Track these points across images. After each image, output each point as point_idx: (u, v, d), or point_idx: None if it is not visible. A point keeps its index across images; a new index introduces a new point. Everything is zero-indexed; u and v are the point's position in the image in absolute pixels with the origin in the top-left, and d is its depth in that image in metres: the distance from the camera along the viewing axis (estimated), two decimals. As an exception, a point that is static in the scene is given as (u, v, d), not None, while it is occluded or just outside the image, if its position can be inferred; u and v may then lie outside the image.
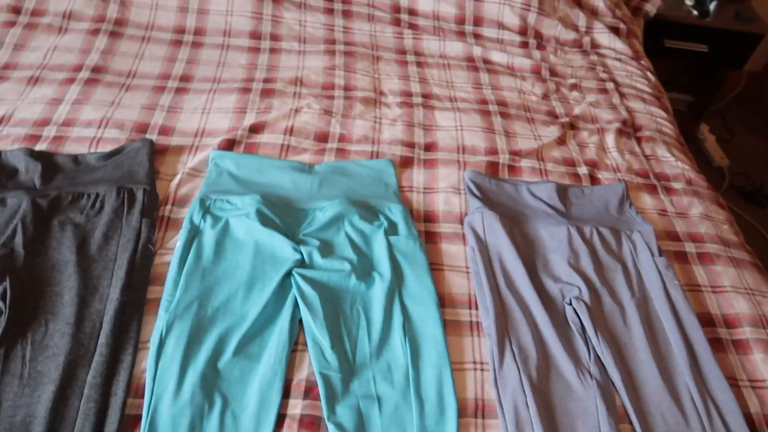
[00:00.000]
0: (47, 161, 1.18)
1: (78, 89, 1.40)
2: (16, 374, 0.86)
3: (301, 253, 1.06)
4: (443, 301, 1.07)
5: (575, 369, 0.98)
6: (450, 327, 1.03)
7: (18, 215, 1.05)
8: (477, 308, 1.07)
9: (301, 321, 0.99)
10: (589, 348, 1.02)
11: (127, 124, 1.32)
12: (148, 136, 1.31)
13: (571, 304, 1.07)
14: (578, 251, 1.17)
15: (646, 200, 1.35)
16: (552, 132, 1.50)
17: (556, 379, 0.97)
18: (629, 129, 1.57)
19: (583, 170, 1.40)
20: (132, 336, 0.92)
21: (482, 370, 0.98)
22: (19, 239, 1.01)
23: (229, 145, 1.30)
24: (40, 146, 1.24)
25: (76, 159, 1.21)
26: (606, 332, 1.04)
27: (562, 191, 1.30)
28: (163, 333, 0.92)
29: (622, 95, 1.71)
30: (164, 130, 1.33)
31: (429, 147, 1.40)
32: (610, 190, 1.34)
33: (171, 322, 0.94)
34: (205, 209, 1.12)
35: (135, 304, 0.97)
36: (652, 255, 1.18)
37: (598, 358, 1.00)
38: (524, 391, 0.94)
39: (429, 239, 1.18)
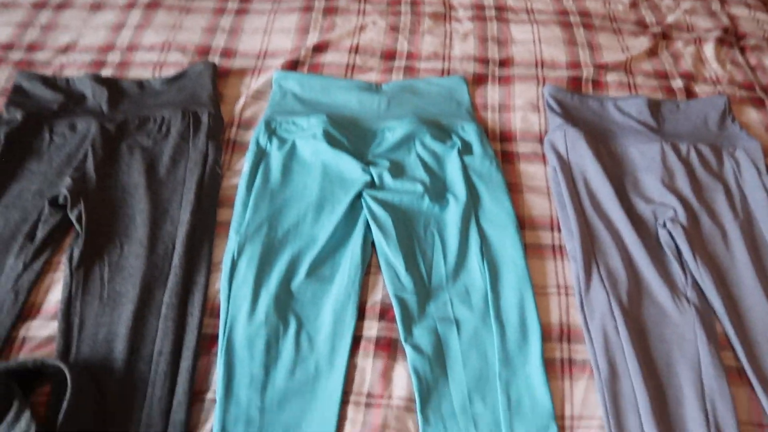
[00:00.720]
0: (113, 87, 1.16)
1: (139, 13, 1.37)
2: (96, 294, 0.87)
3: (371, 175, 1.01)
4: (523, 223, 1.00)
5: (670, 293, 0.90)
6: (531, 250, 0.97)
7: (87, 140, 1.04)
8: (560, 231, 1.00)
9: (373, 244, 0.95)
10: (686, 272, 0.93)
11: (189, 47, 1.29)
12: (210, 58, 1.27)
13: (665, 226, 0.98)
14: (673, 170, 1.06)
15: (752, 115, 1.21)
16: (642, 43, 1.36)
17: (649, 304, 0.90)
18: (731, 37, 1.40)
19: (677, 83, 1.26)
20: (204, 257, 0.91)
21: (567, 294, 0.92)
22: (90, 163, 1.01)
23: (292, 66, 1.25)
24: (104, 72, 1.23)
25: (140, 84, 1.19)
26: (705, 256, 0.95)
27: (654, 106, 1.18)
28: (235, 254, 0.91)
29: (722, 0, 1.53)
30: (226, 53, 1.29)
31: (504, 62, 1.29)
32: (709, 104, 1.20)
33: (242, 243, 0.92)
34: (271, 131, 1.08)
35: (205, 226, 0.95)
36: (759, 173, 1.06)
37: (695, 282, 0.92)
38: (614, 315, 0.87)
39: (506, 159, 1.10)
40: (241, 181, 1.01)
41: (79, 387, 0.72)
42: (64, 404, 0.70)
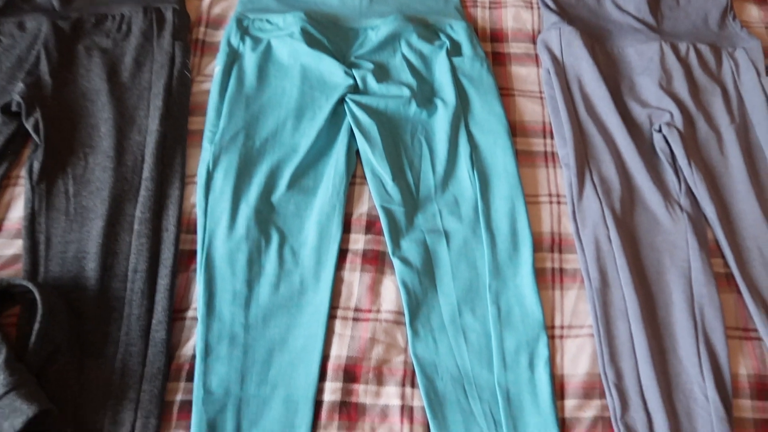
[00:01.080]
0: (64, -20, 1.04)
1: None
2: (62, 210, 0.81)
3: (354, 78, 0.94)
4: (514, 129, 0.95)
5: (663, 201, 0.88)
6: (522, 157, 0.92)
7: (39, 40, 0.94)
8: (552, 137, 0.95)
9: (358, 152, 0.89)
10: (680, 178, 0.91)
11: (147, -64, 1.15)
12: (171, -52, 1.13)
13: (660, 131, 0.94)
14: (671, 71, 1.01)
15: (753, 12, 1.15)
16: (643, -66, 1.25)
17: (641, 211, 0.88)
18: (734, -72, 1.30)
19: (678, -22, 1.18)
20: (177, 169, 0.85)
21: (558, 203, 0.89)
22: (44, 66, 0.91)
23: (264, -44, 1.12)
24: (53, -37, 1.09)
25: (95, -23, 1.06)
26: (700, 161, 0.92)
27: (653, 2, 1.11)
28: (210, 166, 0.85)
29: None
30: (189, -58, 1.15)
31: (494, -47, 1.19)
32: (710, 1, 1.13)
33: (217, 154, 0.86)
34: (243, 30, 0.99)
35: (176, 135, 0.88)
36: (758, 74, 1.01)
37: (689, 189, 0.90)
38: (606, 224, 0.85)
39: (497, 61, 1.03)
40: (213, 86, 0.93)
41: (50, 307, 0.68)
42: (36, 325, 0.66)
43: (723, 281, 0.84)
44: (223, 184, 0.83)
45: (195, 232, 0.82)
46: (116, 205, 0.81)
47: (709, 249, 0.85)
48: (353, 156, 0.89)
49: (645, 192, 0.89)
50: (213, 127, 0.89)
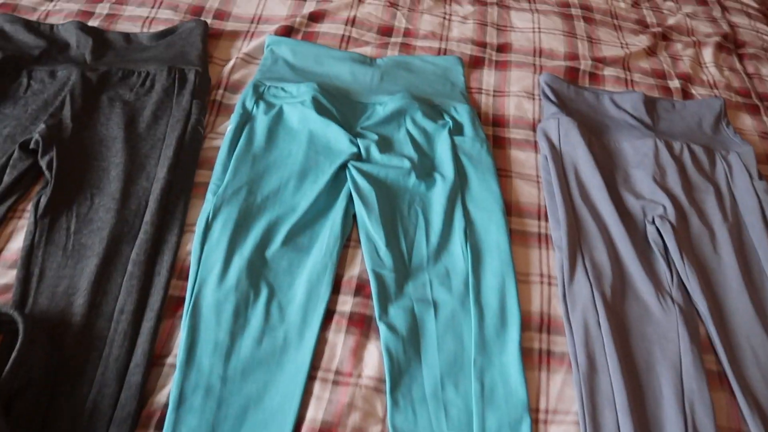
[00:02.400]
0: (99, 37, 1.12)
1: (132, -33, 1.32)
2: (60, 245, 0.83)
3: (358, 147, 0.98)
4: (510, 209, 0.97)
5: (655, 291, 0.88)
6: (516, 237, 0.94)
7: (67, 87, 0.99)
8: (547, 220, 0.97)
9: (355, 216, 0.91)
10: (672, 271, 0.91)
11: (182, 6, 1.24)
12: (202, 19, 1.22)
13: (653, 223, 0.96)
14: (665, 167, 1.04)
15: (746, 121, 1.20)
16: (641, 41, 1.34)
17: (632, 300, 0.88)
18: (730, 44, 1.39)
19: (675, 83, 1.24)
20: (178, 217, 0.87)
21: (549, 284, 0.89)
22: (67, 111, 0.96)
23: (287, 32, 1.21)
24: (91, 23, 1.18)
25: (127, 37, 1.14)
26: (692, 256, 0.93)
27: (649, 103, 1.16)
28: (210, 216, 0.87)
29: (723, 8, 1.52)
30: (219, 14, 1.25)
31: (502, 48, 1.27)
32: (704, 106, 1.19)
33: (218, 206, 0.88)
34: (259, 95, 1.04)
35: (182, 185, 0.91)
36: (751, 178, 1.04)
37: (681, 282, 0.90)
38: (596, 308, 0.85)
39: (497, 144, 1.07)
40: (224, 143, 0.97)
41: (31, 338, 0.68)
42: (14, 353, 0.66)
43: (715, 379, 0.82)
44: (220, 234, 0.85)
45: (187, 279, 0.82)
46: (114, 246, 0.83)
47: (701, 344, 0.84)
48: (350, 219, 0.91)
49: (636, 281, 0.89)
50: (218, 180, 0.92)
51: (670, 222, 0.95)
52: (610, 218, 0.95)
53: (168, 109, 1.00)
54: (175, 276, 0.83)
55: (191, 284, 0.81)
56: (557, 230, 0.94)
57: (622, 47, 1.31)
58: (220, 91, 1.08)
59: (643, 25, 1.40)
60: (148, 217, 0.85)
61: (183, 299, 0.81)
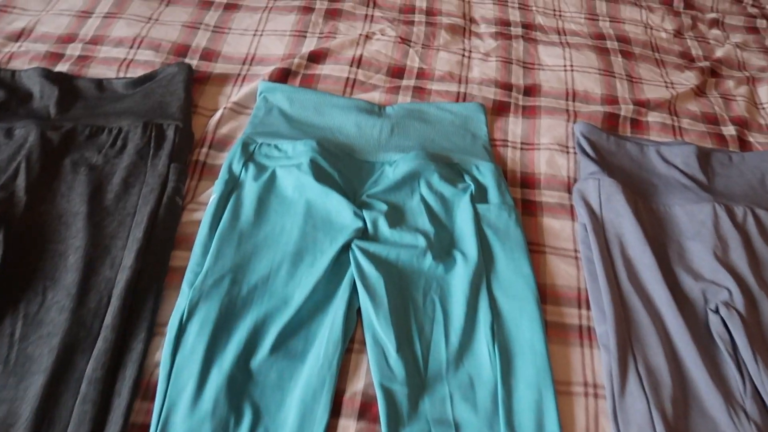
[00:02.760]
0: (66, 85, 0.98)
1: (111, 1, 1.18)
2: (1, 357, 0.68)
3: (364, 220, 0.83)
4: (544, 295, 0.82)
5: (725, 404, 0.72)
6: (553, 331, 0.78)
7: (23, 150, 0.85)
8: (588, 308, 0.82)
9: (359, 311, 0.76)
10: (744, 376, 0.75)
11: (164, 45, 1.10)
12: (187, 60, 1.08)
13: (717, 311, 0.80)
14: (727, 239, 0.88)
15: (815, 174, 1.03)
16: (688, 78, 1.18)
17: (698, 417, 0.72)
18: (788, 79, 1.23)
19: (729, 130, 1.08)
20: (146, 317, 0.73)
21: (596, 395, 0.74)
22: (21, 181, 0.82)
23: (283, 75, 1.06)
24: (60, 66, 1.04)
25: (100, 84, 1.00)
26: (766, 353, 0.77)
27: (703, 157, 1.00)
28: (184, 316, 0.72)
29: (776, 36, 1.35)
30: (207, 54, 1.10)
31: (530, 90, 1.11)
32: (766, 159, 1.02)
33: (195, 301, 0.73)
34: (248, 155, 0.89)
35: (153, 274, 0.76)
36: (829, 250, 0.88)
37: (756, 390, 0.74)
38: (655, 430, 0.69)
39: (526, 211, 0.92)
40: (205, 217, 0.82)
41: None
42: None
43: None
44: (196, 341, 0.70)
45: (153, 399, 0.67)
46: (66, 357, 0.68)
47: (783, 474, 0.69)
48: (353, 316, 0.76)
49: (702, 390, 0.73)
50: (197, 266, 0.77)
51: (737, 310, 0.79)
52: (665, 307, 0.79)
53: (141, 175, 0.86)
54: (140, 396, 0.68)
55: (158, 408, 0.66)
56: (602, 324, 0.78)
57: (666, 87, 1.15)
58: (204, 150, 0.93)
59: (688, 58, 1.24)
60: (109, 319, 0.70)
61: (147, 427, 0.66)
